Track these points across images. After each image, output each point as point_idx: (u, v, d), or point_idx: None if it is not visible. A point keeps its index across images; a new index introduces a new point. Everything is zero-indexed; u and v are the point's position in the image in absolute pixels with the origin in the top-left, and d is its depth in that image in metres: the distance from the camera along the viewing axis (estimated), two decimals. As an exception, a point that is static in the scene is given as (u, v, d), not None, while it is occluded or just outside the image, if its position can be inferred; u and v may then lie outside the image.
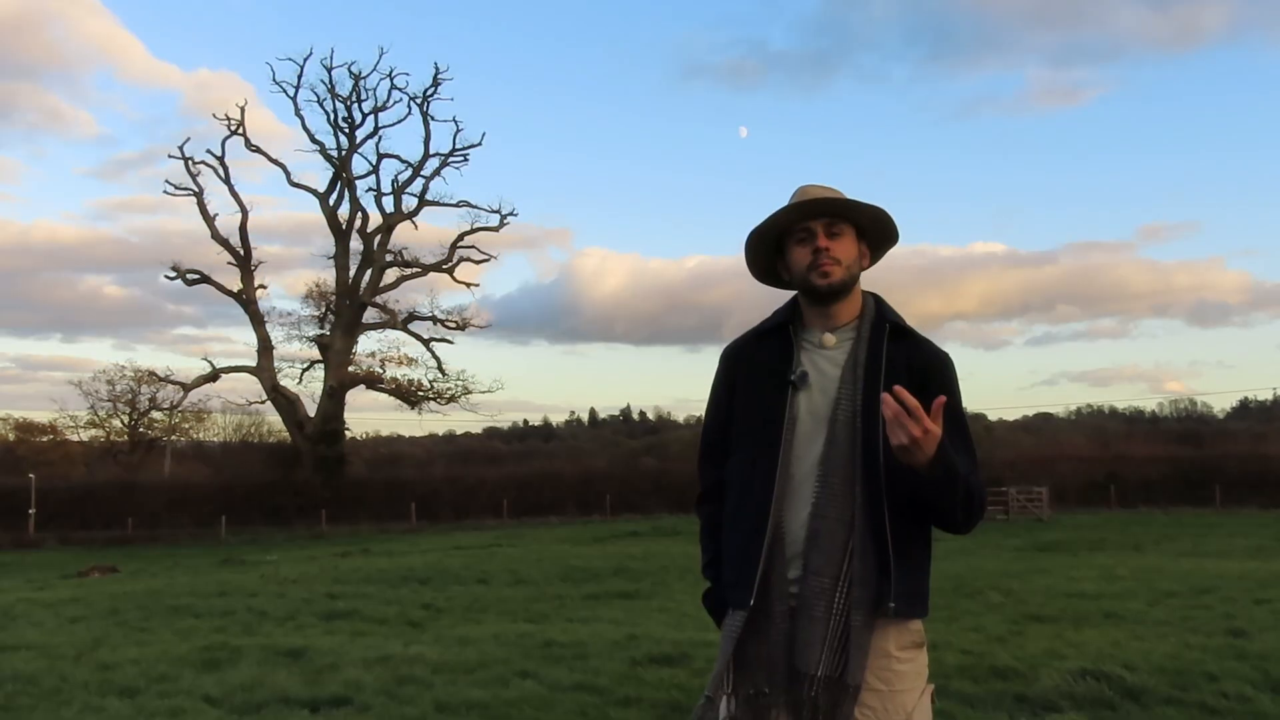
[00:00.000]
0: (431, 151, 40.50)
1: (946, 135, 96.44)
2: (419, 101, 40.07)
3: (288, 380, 39.86)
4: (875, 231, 2.12)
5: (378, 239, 39.88)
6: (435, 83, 39.97)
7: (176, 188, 38.86)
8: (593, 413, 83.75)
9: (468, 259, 41.21)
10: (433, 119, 40.75)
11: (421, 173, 40.46)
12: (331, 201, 40.15)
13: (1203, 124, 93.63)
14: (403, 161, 40.69)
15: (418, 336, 40.49)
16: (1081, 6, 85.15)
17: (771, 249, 2.15)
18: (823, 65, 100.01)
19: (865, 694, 1.92)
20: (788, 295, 2.20)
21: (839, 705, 1.90)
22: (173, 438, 45.90)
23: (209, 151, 41.43)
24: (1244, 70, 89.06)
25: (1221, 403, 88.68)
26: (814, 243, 2.04)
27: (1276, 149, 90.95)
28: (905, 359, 2.02)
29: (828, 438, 1.99)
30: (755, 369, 2.11)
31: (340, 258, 39.74)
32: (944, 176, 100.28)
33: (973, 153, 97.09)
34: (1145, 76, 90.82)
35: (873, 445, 1.95)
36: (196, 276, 38.99)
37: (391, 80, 40.52)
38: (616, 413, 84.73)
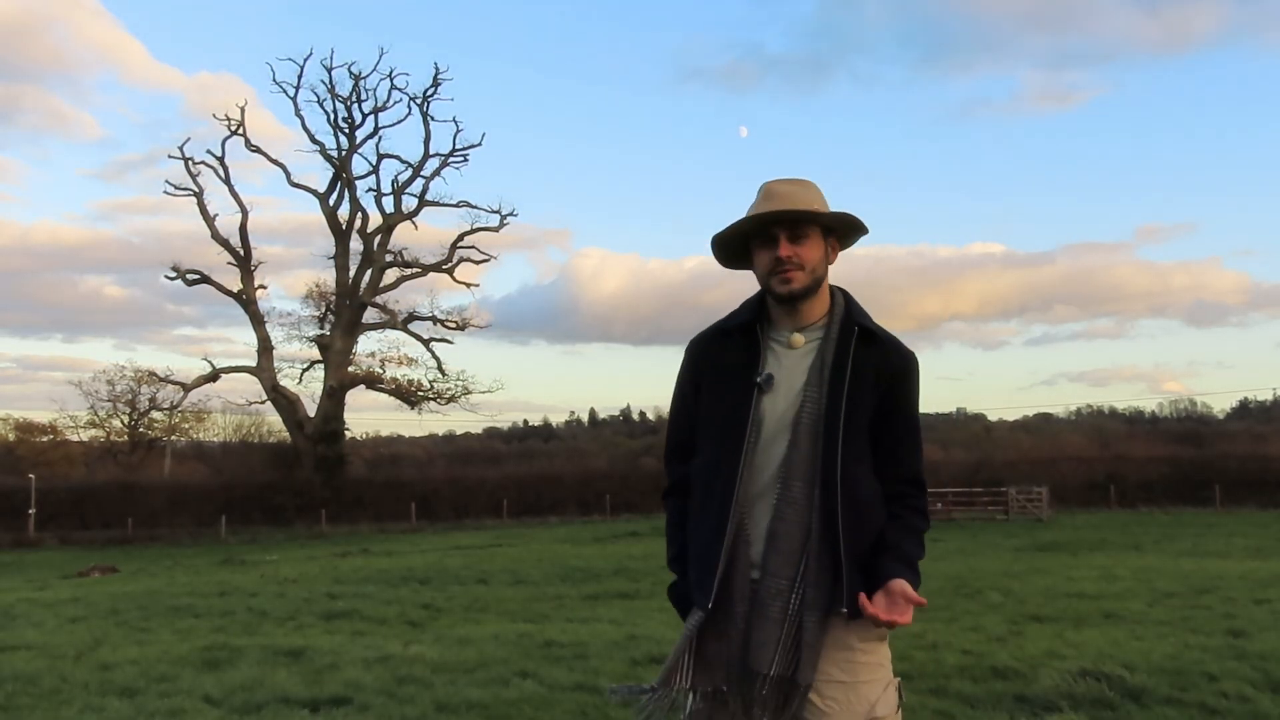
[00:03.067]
0: (431, 152, 40.58)
1: (942, 137, 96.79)
2: (419, 101, 40.16)
3: (288, 380, 39.94)
4: (841, 228, 2.11)
5: (378, 239, 39.88)
6: (435, 83, 40.08)
7: (177, 188, 38.94)
8: (593, 413, 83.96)
9: (468, 259, 41.29)
10: (433, 119, 40.85)
11: (421, 173, 40.54)
12: (331, 202, 40.20)
13: (1198, 125, 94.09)
14: (403, 162, 40.80)
15: (418, 336, 40.52)
16: (1073, 10, 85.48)
17: (738, 247, 2.15)
18: (818, 68, 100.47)
19: (828, 686, 1.94)
20: None
21: (788, 703, 1.93)
22: (173, 438, 45.93)
23: (209, 152, 41.56)
24: (1237, 72, 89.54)
25: (1221, 403, 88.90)
26: (776, 250, 2.02)
27: (1272, 150, 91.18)
28: (874, 365, 2.02)
29: (790, 441, 1.99)
30: (721, 368, 2.10)
31: (340, 258, 39.75)
32: (941, 178, 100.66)
33: (969, 154, 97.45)
34: (1139, 79, 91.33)
35: (832, 450, 1.96)
36: (196, 277, 39.00)
37: (391, 80, 40.75)
38: (616, 413, 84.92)
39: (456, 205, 40.86)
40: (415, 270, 40.51)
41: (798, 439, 1.98)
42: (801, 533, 1.96)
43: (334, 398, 38.66)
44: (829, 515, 1.94)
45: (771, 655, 1.93)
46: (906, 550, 1.98)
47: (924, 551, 2.04)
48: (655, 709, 2.00)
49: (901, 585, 1.90)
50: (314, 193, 40.56)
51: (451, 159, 40.70)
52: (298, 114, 43.00)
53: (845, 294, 2.14)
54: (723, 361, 2.11)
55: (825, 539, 1.94)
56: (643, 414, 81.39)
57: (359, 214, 40.10)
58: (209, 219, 38.95)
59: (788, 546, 1.96)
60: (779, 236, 2.03)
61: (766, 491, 2.00)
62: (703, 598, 2.00)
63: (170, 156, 55.17)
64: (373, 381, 40.28)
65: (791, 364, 2.05)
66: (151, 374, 39.93)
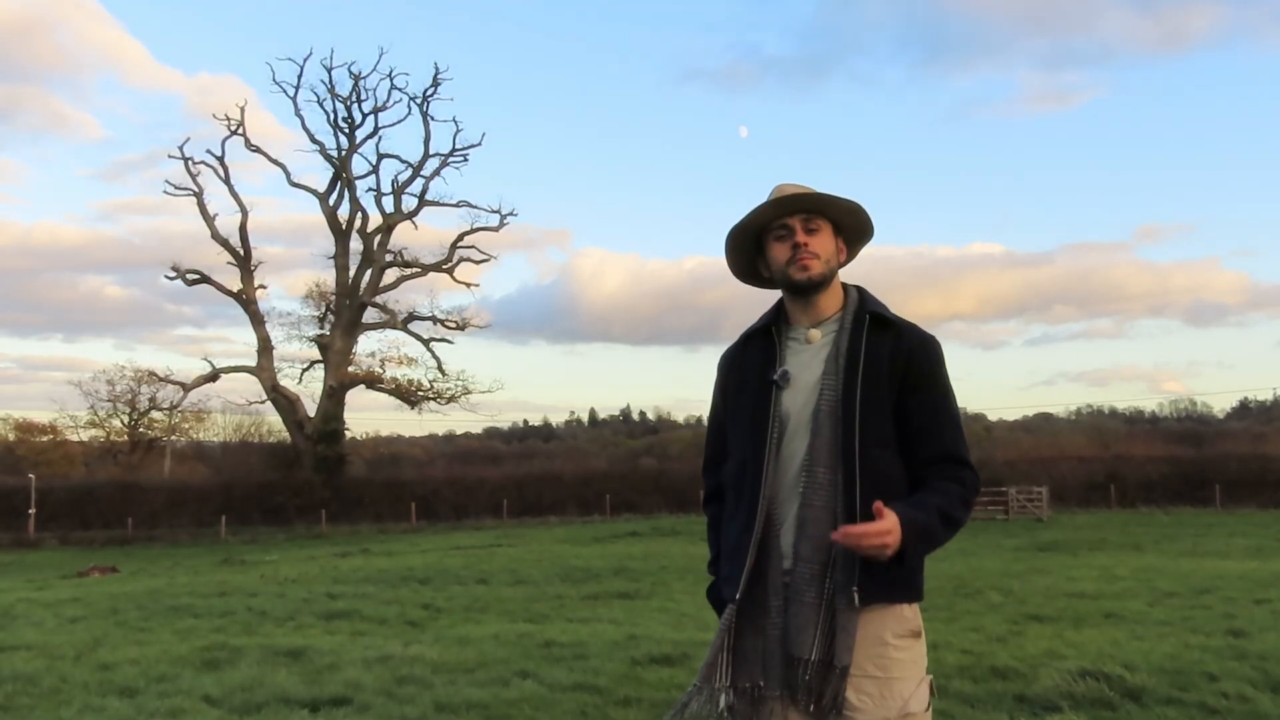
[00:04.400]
0: (431, 151, 40.58)
1: (941, 138, 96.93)
2: (419, 101, 40.17)
3: (288, 380, 39.92)
4: (851, 226, 2.18)
5: (378, 239, 39.87)
6: (435, 83, 40.07)
7: (177, 188, 38.94)
8: (593, 413, 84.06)
9: (467, 259, 41.30)
10: (432, 119, 40.89)
11: (421, 173, 40.54)
12: (331, 201, 40.19)
13: (1196, 125, 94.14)
14: (403, 161, 40.80)
15: (418, 336, 40.53)
16: (1070, 11, 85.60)
17: (752, 248, 2.21)
18: (817, 69, 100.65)
19: (863, 680, 1.96)
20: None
21: (828, 687, 1.95)
22: (173, 438, 45.94)
23: (209, 152, 41.51)
24: (1235, 72, 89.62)
25: (1221, 403, 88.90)
26: (792, 238, 2.10)
27: (1270, 150, 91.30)
28: (888, 349, 2.06)
29: (812, 430, 2.03)
30: (744, 373, 2.18)
31: (340, 258, 39.74)
32: (941, 178, 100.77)
33: (969, 154, 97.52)
34: (1136, 79, 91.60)
35: (850, 432, 2.00)
36: (196, 277, 38.99)
37: (391, 80, 40.80)
38: (616, 413, 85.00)
39: (456, 205, 40.93)
40: (415, 270, 40.53)
41: (819, 427, 2.03)
42: (830, 518, 1.98)
43: (334, 398, 38.64)
44: (852, 496, 1.97)
45: (811, 639, 1.96)
46: (921, 498, 1.96)
47: (960, 510, 1.99)
48: (702, 707, 2.02)
49: (881, 523, 1.85)
50: (314, 193, 40.61)
51: (451, 159, 40.76)
52: (298, 114, 43.10)
53: (859, 288, 2.20)
54: (746, 367, 2.18)
55: (850, 521, 1.96)
56: (643, 414, 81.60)
57: (359, 214, 40.15)
58: (209, 219, 38.99)
59: (817, 532, 1.99)
60: (794, 226, 2.10)
61: (794, 483, 2.04)
62: (731, 589, 2.05)
63: (170, 156, 55.27)
64: (373, 381, 40.27)
65: (809, 358, 2.11)
66: (151, 374, 40.01)
